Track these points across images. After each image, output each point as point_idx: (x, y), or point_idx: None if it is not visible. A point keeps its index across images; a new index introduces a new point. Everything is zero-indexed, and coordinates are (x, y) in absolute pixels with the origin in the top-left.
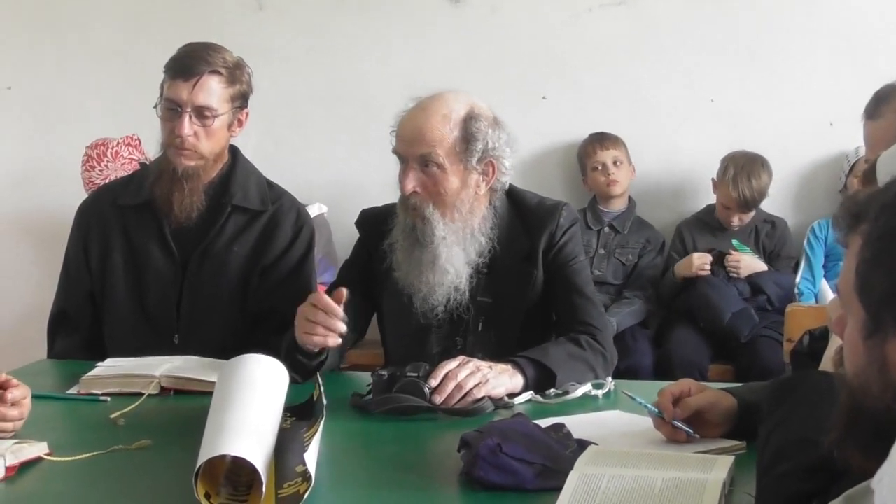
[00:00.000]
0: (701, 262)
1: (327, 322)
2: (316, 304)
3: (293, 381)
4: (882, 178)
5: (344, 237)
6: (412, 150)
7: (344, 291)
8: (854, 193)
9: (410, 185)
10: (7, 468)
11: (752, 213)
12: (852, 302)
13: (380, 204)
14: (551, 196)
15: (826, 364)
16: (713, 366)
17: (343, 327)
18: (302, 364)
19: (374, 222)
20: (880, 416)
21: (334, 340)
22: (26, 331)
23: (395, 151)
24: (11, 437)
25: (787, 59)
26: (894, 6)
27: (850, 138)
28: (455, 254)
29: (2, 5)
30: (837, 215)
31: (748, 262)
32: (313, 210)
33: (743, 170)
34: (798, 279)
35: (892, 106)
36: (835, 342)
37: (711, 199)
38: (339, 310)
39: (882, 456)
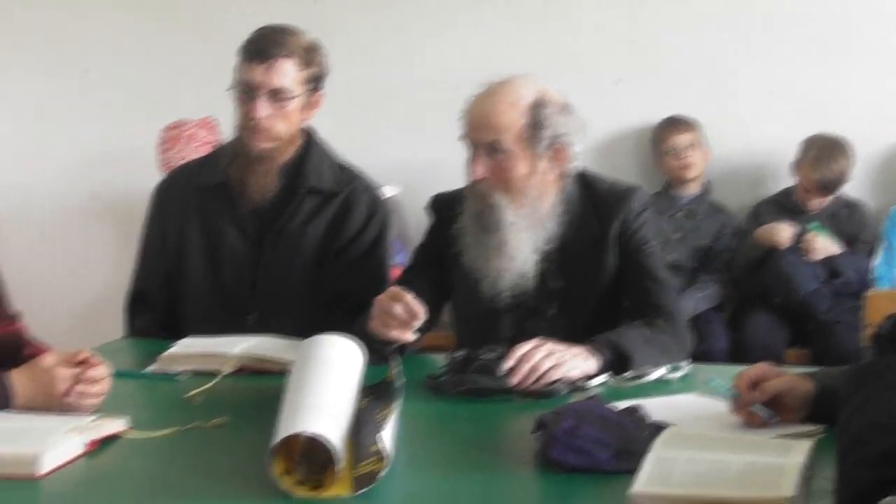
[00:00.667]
0: (787, 232)
1: (405, 319)
2: (396, 298)
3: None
4: None
5: (416, 220)
6: (480, 137)
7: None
8: None
9: (479, 171)
10: (88, 443)
11: (832, 197)
12: None
13: (451, 187)
14: (624, 180)
15: None
16: (789, 350)
17: (418, 325)
18: (374, 350)
19: (445, 206)
20: None
21: (409, 337)
22: (105, 310)
23: (463, 137)
24: (92, 414)
25: (866, 41)
26: None
27: None
28: (523, 240)
29: None
30: None
31: (823, 244)
32: (385, 192)
33: (824, 152)
34: (876, 263)
35: None
36: None
37: (788, 183)
38: (421, 311)
39: None
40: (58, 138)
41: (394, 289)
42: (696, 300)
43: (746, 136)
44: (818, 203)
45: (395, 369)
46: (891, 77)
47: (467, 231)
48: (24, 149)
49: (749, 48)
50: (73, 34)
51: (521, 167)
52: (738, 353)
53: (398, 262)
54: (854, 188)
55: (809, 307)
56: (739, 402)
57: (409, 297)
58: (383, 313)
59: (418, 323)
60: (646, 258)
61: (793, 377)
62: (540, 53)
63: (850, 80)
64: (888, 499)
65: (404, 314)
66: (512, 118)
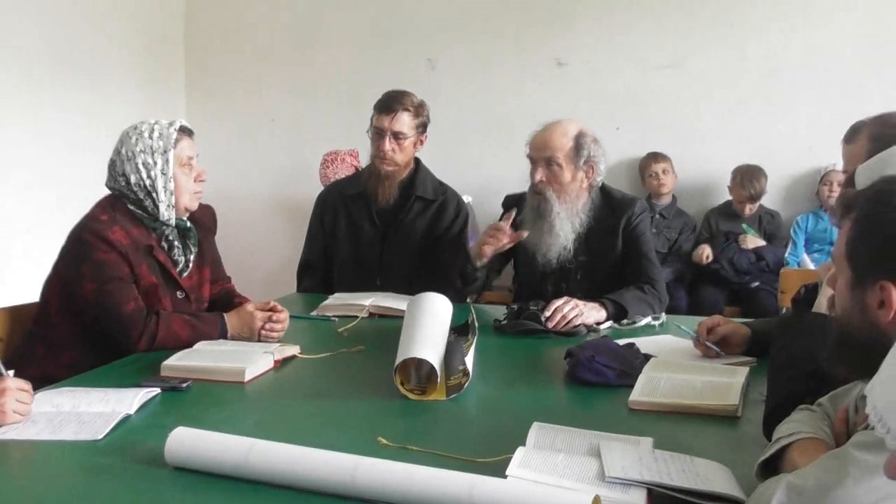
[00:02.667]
0: (705, 252)
1: (499, 235)
2: (496, 227)
3: (459, 290)
4: (860, 183)
5: (482, 217)
6: (541, 154)
7: (513, 212)
8: (845, 192)
9: (539, 176)
10: (275, 361)
11: (757, 206)
12: (843, 265)
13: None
14: (630, 193)
15: (819, 308)
16: (727, 308)
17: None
18: (468, 273)
19: (513, 202)
20: (860, 343)
21: (496, 248)
22: (284, 274)
23: (529, 156)
24: (277, 342)
25: (781, 101)
26: (858, 52)
27: (824, 158)
28: (565, 225)
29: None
30: (835, 206)
31: (752, 239)
32: (464, 199)
33: (747, 175)
34: (787, 254)
35: (863, 134)
36: (825, 293)
37: (728, 197)
38: (508, 230)
39: (859, 370)
40: (257, 160)
41: (493, 224)
42: (666, 273)
43: (701, 165)
44: (748, 210)
45: (472, 315)
46: (796, 125)
47: (527, 218)
48: (236, 167)
49: (703, 105)
50: (263, 92)
51: (566, 175)
52: (694, 310)
53: (471, 243)
54: (772, 202)
55: (743, 280)
56: (700, 341)
57: (503, 224)
58: (488, 235)
59: (505, 239)
60: (641, 245)
61: (735, 324)
62: (567, 106)
63: (769, 128)
64: (800, 407)
65: (504, 227)
66: (563, 142)
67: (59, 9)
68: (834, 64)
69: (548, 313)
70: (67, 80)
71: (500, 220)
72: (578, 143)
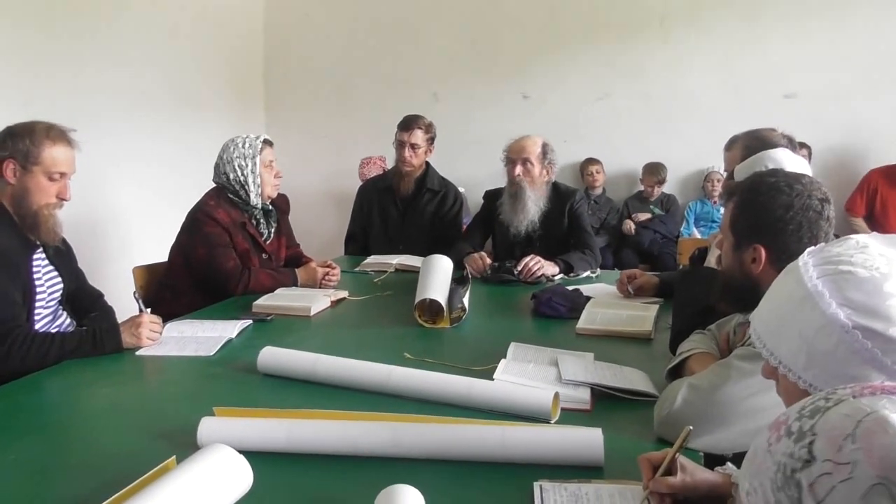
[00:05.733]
0: (629, 227)
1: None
2: (478, 257)
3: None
4: (738, 178)
5: (470, 203)
6: (519, 155)
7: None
8: (729, 183)
9: (517, 171)
10: (331, 301)
11: (660, 192)
12: (727, 233)
13: (486, 188)
14: (572, 186)
15: (709, 263)
16: (641, 265)
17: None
18: (460, 262)
19: (493, 195)
20: (738, 287)
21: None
22: (335, 243)
23: (507, 157)
24: (332, 288)
25: (675, 124)
26: (722, 93)
27: (707, 162)
28: (532, 206)
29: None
30: (723, 191)
31: (658, 216)
32: (461, 190)
33: (653, 169)
34: (681, 229)
35: (738, 144)
36: (714, 253)
37: (641, 187)
38: (485, 263)
39: (737, 306)
40: (315, 163)
41: (476, 255)
42: (600, 242)
43: (622, 167)
44: (655, 195)
45: (467, 270)
46: (686, 139)
47: (505, 202)
48: (301, 168)
49: (623, 126)
50: (318, 116)
51: (536, 171)
52: (618, 267)
53: (465, 222)
54: (672, 190)
55: (651, 246)
56: (622, 287)
57: (479, 256)
58: (471, 259)
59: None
60: (581, 222)
61: (648, 276)
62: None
63: (669, 142)
64: (696, 331)
65: (479, 261)
66: (535, 148)
67: (173, 60)
68: (707, 99)
69: (520, 267)
70: (180, 110)
71: (471, 224)
72: (544, 149)
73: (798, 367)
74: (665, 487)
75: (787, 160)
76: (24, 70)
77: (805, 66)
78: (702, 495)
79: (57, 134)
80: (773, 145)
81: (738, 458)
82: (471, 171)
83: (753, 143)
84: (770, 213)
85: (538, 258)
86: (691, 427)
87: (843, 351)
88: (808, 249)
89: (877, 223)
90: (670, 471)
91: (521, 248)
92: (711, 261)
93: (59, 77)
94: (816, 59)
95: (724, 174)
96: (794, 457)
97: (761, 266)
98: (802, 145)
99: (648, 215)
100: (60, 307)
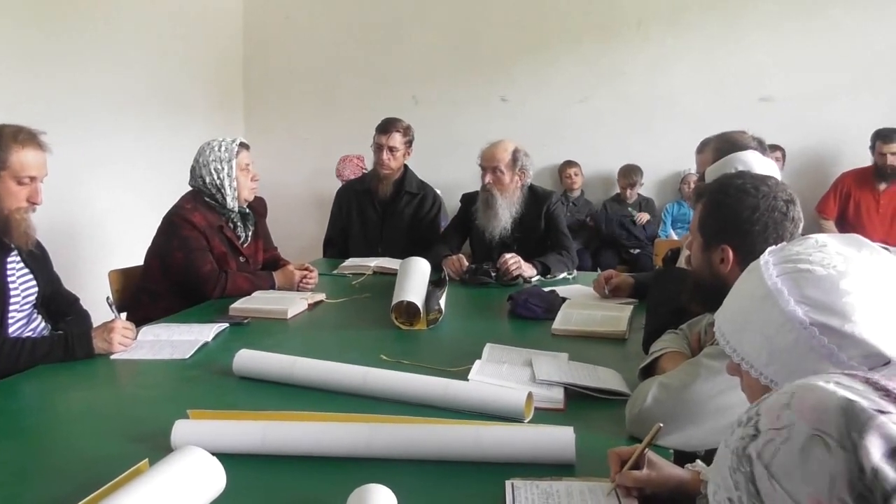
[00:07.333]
0: (643, 218)
1: (456, 266)
2: (455, 261)
3: (434, 268)
4: (708, 179)
5: (449, 206)
6: (489, 164)
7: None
8: (698, 185)
9: (487, 179)
10: (308, 304)
11: (637, 195)
12: (696, 234)
13: (462, 191)
14: (548, 189)
15: (680, 264)
16: (618, 266)
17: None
18: (437, 264)
19: (469, 198)
20: (707, 287)
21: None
22: (313, 245)
23: (480, 165)
24: (309, 291)
25: (652, 128)
26: (699, 96)
27: (682, 165)
28: (504, 212)
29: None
30: (693, 193)
31: (639, 218)
32: (439, 193)
33: (628, 172)
34: (659, 230)
35: (710, 147)
36: (685, 254)
37: (617, 190)
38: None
39: (707, 306)
40: (294, 166)
41: (454, 257)
42: (577, 244)
43: (600, 170)
44: (629, 195)
45: (444, 272)
46: (664, 143)
47: (479, 208)
48: (280, 170)
49: (601, 129)
50: (297, 119)
51: (506, 178)
52: (596, 268)
53: (443, 224)
54: (648, 194)
55: (629, 246)
56: (599, 287)
57: (457, 258)
58: (449, 261)
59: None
60: (558, 224)
61: (624, 276)
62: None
63: (647, 147)
64: (668, 330)
65: (457, 263)
66: (504, 156)
67: (157, 62)
68: (686, 101)
69: (499, 262)
70: (159, 112)
71: (449, 228)
72: (514, 156)
73: (760, 364)
74: (631, 481)
75: (756, 162)
76: (5, 72)
77: (781, 70)
78: (670, 491)
79: (26, 137)
80: (743, 147)
81: (708, 456)
82: (450, 173)
83: (724, 145)
84: (737, 215)
85: (517, 257)
86: (661, 424)
87: (802, 347)
88: (770, 248)
89: (849, 225)
90: (638, 465)
91: (499, 250)
92: (682, 261)
93: (36, 79)
94: (793, 62)
95: (698, 176)
96: (744, 437)
97: (729, 266)
98: (776, 147)
99: (648, 216)
100: (35, 311)
